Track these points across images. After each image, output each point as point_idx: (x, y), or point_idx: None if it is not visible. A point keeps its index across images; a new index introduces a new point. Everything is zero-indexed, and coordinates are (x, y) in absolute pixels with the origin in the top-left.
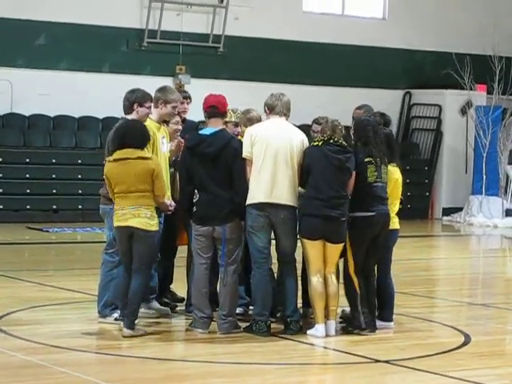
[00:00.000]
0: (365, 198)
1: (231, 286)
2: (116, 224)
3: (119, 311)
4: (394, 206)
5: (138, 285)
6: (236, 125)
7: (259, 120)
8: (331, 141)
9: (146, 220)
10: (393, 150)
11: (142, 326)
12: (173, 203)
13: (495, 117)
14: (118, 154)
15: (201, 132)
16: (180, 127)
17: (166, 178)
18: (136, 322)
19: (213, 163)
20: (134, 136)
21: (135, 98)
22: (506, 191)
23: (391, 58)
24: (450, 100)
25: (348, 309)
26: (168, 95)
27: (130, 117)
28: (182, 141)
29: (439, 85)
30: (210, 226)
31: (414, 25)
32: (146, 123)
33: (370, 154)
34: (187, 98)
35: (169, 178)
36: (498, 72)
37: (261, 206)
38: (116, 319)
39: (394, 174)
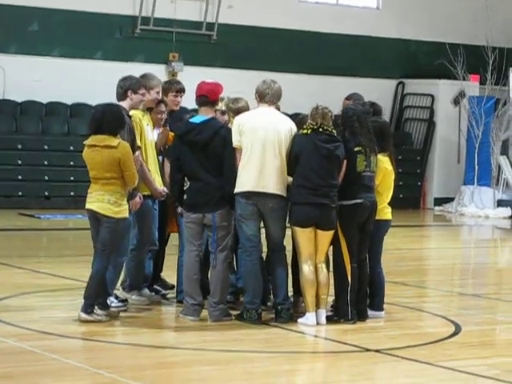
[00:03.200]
0: (352, 186)
1: (222, 273)
2: (85, 206)
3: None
4: (387, 197)
5: (96, 269)
6: (223, 113)
7: (247, 109)
8: (320, 129)
9: (108, 206)
10: (386, 139)
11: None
12: (165, 189)
13: (488, 107)
14: (90, 140)
15: (191, 120)
16: (164, 116)
17: (154, 164)
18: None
19: (202, 151)
20: (110, 122)
21: (129, 85)
22: (497, 182)
23: (385, 47)
24: (442, 90)
25: None
26: (150, 81)
27: (123, 104)
28: (168, 129)
29: (432, 75)
30: (200, 213)
31: (408, 15)
32: (131, 111)
33: (360, 144)
34: (181, 90)
35: (157, 165)
36: (491, 62)
37: (248, 195)
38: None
39: (385, 163)
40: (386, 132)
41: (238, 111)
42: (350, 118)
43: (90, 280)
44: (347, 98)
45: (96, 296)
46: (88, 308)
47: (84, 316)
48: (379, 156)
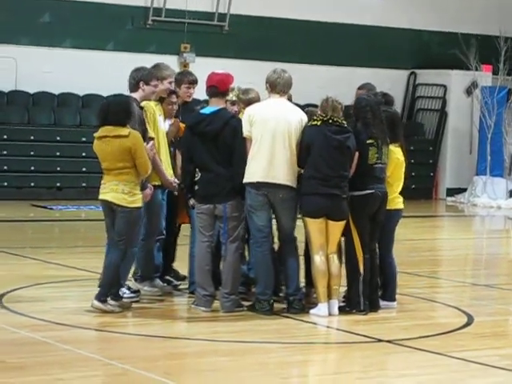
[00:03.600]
0: (363, 178)
1: (233, 263)
2: (99, 197)
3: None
4: (397, 187)
5: (111, 259)
6: (233, 103)
7: (258, 100)
8: (330, 120)
9: (123, 195)
10: (397, 130)
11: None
12: (176, 180)
13: (500, 97)
14: (100, 132)
15: (201, 111)
16: (175, 107)
17: (166, 155)
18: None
19: (213, 142)
20: (116, 113)
21: (141, 76)
22: (510, 172)
23: (396, 37)
24: (455, 80)
25: None
26: (163, 71)
27: (135, 95)
28: (179, 121)
29: (444, 65)
30: (211, 204)
31: (420, 4)
32: (143, 102)
33: (372, 136)
34: (194, 82)
35: (169, 155)
36: (503, 53)
37: (258, 186)
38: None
39: (396, 153)
40: (397, 122)
41: (248, 102)
42: (363, 108)
43: (104, 269)
44: (360, 88)
45: (110, 286)
46: (102, 296)
47: (97, 304)
48: (391, 147)
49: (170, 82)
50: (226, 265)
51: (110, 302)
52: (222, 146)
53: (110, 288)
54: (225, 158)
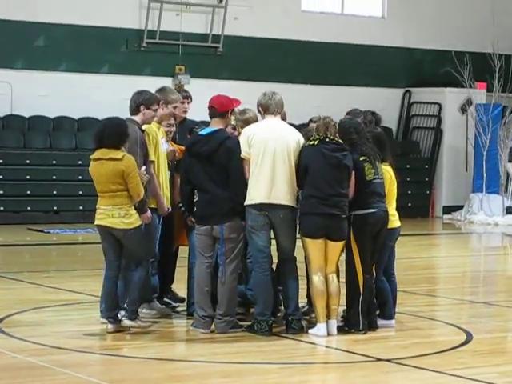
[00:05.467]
0: (364, 196)
1: (229, 284)
2: (95, 222)
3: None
4: (391, 205)
5: (137, 277)
6: (234, 128)
7: (256, 120)
8: (327, 139)
9: (120, 219)
10: (384, 149)
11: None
12: (169, 207)
13: (495, 114)
14: (96, 154)
15: (199, 132)
16: (173, 129)
17: (165, 178)
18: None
19: (208, 162)
20: (110, 136)
21: (142, 100)
22: (506, 189)
23: (391, 56)
24: (449, 98)
25: None
26: (169, 95)
27: (135, 118)
28: (174, 149)
29: (439, 83)
30: (208, 226)
31: (413, 23)
32: (144, 125)
33: (362, 153)
34: (188, 97)
35: (167, 178)
36: (497, 69)
37: (260, 207)
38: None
39: (386, 173)
40: (384, 141)
41: (246, 122)
42: (347, 130)
43: (131, 289)
44: (347, 113)
45: (140, 303)
46: (132, 314)
47: (129, 323)
48: (382, 165)
49: (175, 107)
50: (222, 286)
51: (140, 319)
52: (217, 167)
53: (139, 305)
54: (222, 178)
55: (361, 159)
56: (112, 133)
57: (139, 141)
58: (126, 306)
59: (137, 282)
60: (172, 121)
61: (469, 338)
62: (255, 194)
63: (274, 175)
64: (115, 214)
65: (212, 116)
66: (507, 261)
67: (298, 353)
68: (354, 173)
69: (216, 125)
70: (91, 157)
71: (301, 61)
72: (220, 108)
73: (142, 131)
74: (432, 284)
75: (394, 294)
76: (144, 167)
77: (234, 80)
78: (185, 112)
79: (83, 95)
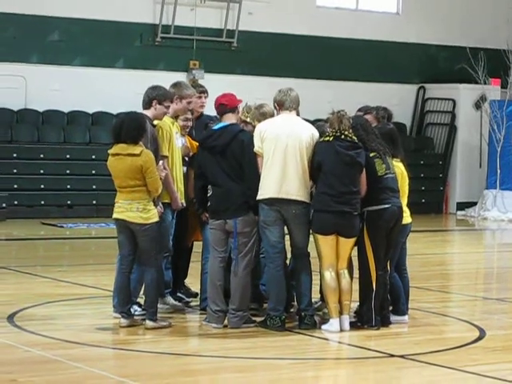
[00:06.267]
0: (377, 191)
1: (242, 279)
2: (113, 216)
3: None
4: (403, 201)
5: (149, 278)
6: (246, 123)
7: (272, 115)
8: (342, 136)
9: (138, 214)
10: (396, 145)
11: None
12: (183, 202)
13: (509, 111)
14: (114, 149)
15: (213, 127)
16: (190, 123)
17: (180, 172)
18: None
19: (221, 156)
20: (129, 131)
21: (155, 95)
22: None
23: (405, 52)
24: (464, 94)
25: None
26: (183, 91)
27: (147, 112)
28: (188, 146)
29: (453, 79)
30: (222, 220)
31: (428, 19)
32: (156, 121)
33: (372, 149)
34: (204, 92)
35: (181, 173)
36: (511, 66)
37: (271, 202)
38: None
39: (397, 168)
40: (395, 137)
41: (263, 115)
42: (354, 127)
43: (146, 289)
44: (359, 110)
45: (157, 302)
46: (153, 315)
47: (151, 324)
48: (393, 161)
49: (189, 103)
50: (235, 281)
51: (149, 322)
52: (231, 160)
53: (156, 306)
54: (235, 172)
55: (371, 155)
56: (130, 128)
57: (150, 135)
58: (144, 307)
59: (150, 283)
60: (189, 115)
61: (482, 334)
62: (266, 189)
63: (285, 170)
64: (133, 209)
65: (223, 113)
66: None
67: (311, 348)
68: (364, 170)
69: (229, 120)
70: (109, 151)
71: (315, 56)
72: (230, 104)
73: (154, 126)
74: (445, 280)
75: (406, 290)
76: (161, 162)
77: (248, 75)
78: (202, 107)
79: (97, 90)
